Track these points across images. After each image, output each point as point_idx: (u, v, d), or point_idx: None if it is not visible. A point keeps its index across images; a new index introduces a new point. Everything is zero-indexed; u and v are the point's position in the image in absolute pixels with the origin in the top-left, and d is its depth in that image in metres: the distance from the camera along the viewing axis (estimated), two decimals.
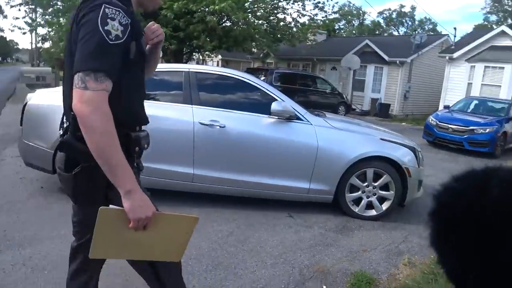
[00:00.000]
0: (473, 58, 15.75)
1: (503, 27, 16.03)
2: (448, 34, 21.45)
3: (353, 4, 53.36)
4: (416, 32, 24.80)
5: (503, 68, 14.74)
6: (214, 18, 15.12)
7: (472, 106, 11.19)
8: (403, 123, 16.15)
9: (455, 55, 16.23)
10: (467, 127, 9.16)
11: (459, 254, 0.61)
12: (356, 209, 4.05)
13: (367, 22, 56.44)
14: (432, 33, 33.46)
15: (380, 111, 17.85)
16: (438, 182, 0.65)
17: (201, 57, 25.69)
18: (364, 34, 42.26)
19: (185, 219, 1.49)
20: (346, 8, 53.00)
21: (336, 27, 56.94)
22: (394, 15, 55.57)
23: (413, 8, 54.01)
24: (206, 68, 4.77)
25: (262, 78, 12.74)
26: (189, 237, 1.52)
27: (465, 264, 0.61)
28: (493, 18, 43.97)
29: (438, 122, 9.88)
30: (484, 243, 0.57)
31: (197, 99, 3.95)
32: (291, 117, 3.85)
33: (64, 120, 1.48)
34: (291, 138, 3.85)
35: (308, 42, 21.96)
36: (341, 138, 3.93)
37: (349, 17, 56.78)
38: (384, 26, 53.83)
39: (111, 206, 1.31)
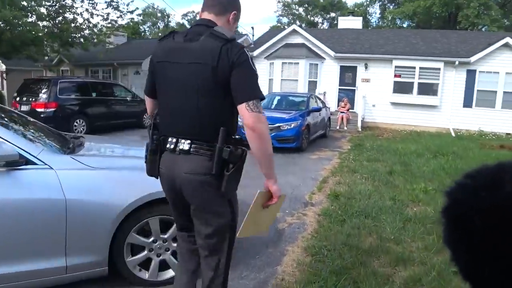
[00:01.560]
0: (271, 55, 16.45)
1: (294, 26, 17.27)
2: (247, 34, 22.29)
3: (157, 6, 51.92)
4: None
5: (297, 63, 15.75)
6: None
7: (275, 102, 11.31)
8: None
9: (255, 53, 16.68)
10: (273, 124, 8.95)
11: (472, 251, 0.61)
12: (146, 275, 2.84)
13: (173, 24, 56.20)
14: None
15: None
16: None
17: None
18: None
19: (282, 197, 1.93)
20: (150, 10, 51.83)
21: (142, 29, 55.13)
22: (197, 17, 56.45)
23: None
24: None
25: (44, 90, 10.39)
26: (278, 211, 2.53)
27: (479, 261, 0.60)
28: (285, 20, 48.95)
29: None
30: (497, 239, 0.57)
31: None
32: (14, 163, 2.35)
33: (178, 140, 1.81)
34: (17, 197, 2.35)
35: (108, 45, 19.89)
36: (103, 182, 2.60)
37: (154, 19, 55.75)
38: None
39: (260, 190, 1.84)
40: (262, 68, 16.81)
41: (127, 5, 16.85)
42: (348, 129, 14.49)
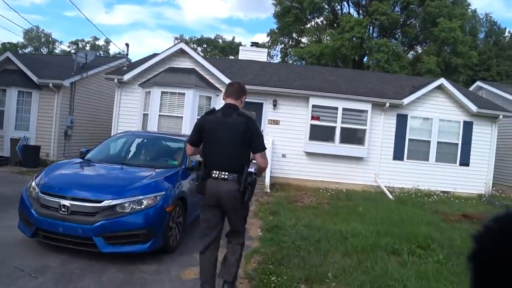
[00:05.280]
0: (149, 82, 11.75)
1: (182, 45, 12.57)
2: (127, 56, 17.35)
3: (42, 30, 44.55)
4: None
5: (183, 94, 11.24)
6: None
7: (133, 149, 6.40)
8: None
9: (126, 77, 11.80)
10: (100, 201, 4.14)
11: None
12: None
13: (57, 51, 49.05)
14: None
15: (25, 158, 11.48)
16: None
17: None
18: None
19: None
20: (34, 33, 44.50)
21: (20, 52, 47.03)
22: (87, 47, 50.48)
23: (108, 42, 50.57)
24: None
25: None
26: None
27: None
28: None
29: (40, 192, 4.35)
30: None
31: None
32: None
33: (219, 172, 3.30)
34: None
35: None
36: None
37: (37, 43, 48.42)
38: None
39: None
40: (135, 98, 11.99)
41: None
42: None
